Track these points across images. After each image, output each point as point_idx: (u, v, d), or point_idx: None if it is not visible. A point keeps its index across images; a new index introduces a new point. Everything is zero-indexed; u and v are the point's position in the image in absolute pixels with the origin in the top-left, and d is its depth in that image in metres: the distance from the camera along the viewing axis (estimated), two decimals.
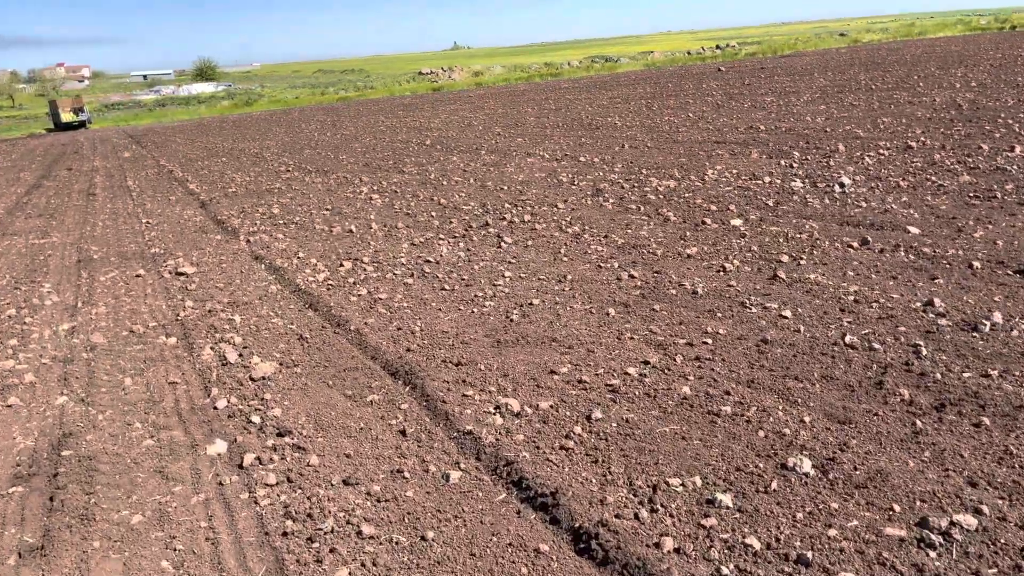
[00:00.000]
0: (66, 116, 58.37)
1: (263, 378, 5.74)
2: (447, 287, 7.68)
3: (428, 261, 8.87)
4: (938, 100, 17.26)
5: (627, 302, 6.54)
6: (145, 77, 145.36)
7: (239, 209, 14.02)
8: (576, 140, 18.37)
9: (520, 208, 11.24)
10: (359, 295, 7.79)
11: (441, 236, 10.08)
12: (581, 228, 9.56)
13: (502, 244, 9.24)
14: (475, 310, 6.84)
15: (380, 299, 7.53)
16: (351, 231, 11.04)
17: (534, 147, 18.05)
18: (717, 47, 71.96)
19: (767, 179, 11.01)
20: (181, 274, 9.54)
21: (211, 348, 6.61)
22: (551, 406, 4.74)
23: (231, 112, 63.30)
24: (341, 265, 9.12)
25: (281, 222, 12.37)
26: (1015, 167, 9.81)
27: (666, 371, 5.02)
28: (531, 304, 6.81)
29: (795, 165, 11.83)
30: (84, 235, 13.07)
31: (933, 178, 9.78)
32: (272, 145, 26.77)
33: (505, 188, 13.08)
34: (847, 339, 5.13)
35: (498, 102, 36.92)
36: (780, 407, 4.39)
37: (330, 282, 8.43)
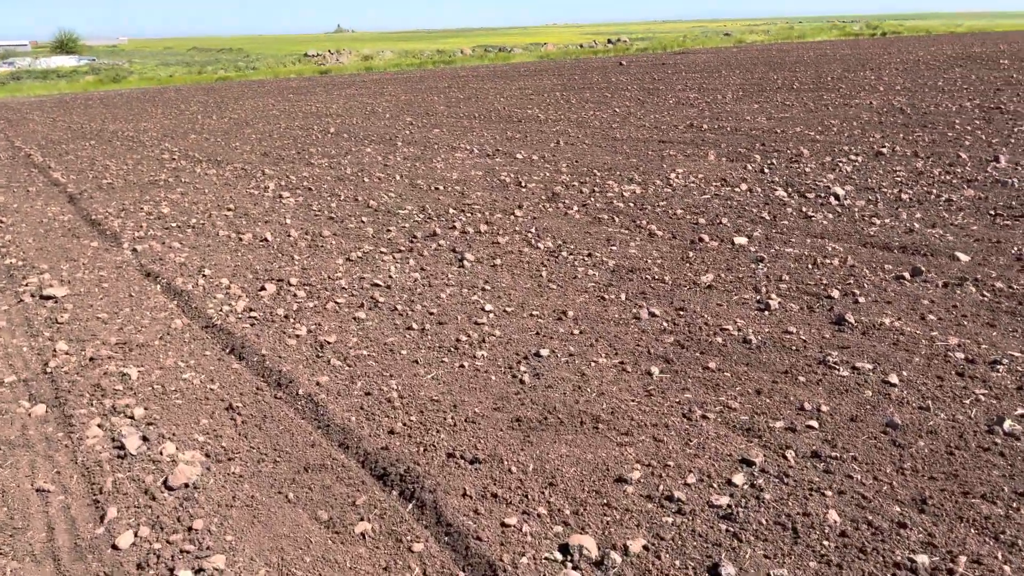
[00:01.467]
0: None
1: (185, 486, 3.87)
2: (414, 325, 5.95)
3: (377, 284, 7.08)
4: (874, 103, 16.75)
5: (666, 355, 5.04)
6: None
7: (118, 206, 11.59)
8: (501, 133, 16.76)
9: (469, 214, 9.56)
10: (297, 335, 5.93)
11: (382, 249, 8.27)
12: (555, 243, 8.01)
13: (464, 262, 7.56)
14: (465, 364, 5.16)
15: (328, 343, 5.71)
16: (266, 239, 9.04)
17: (456, 140, 16.31)
18: (609, 41, 71.86)
19: (743, 186, 9.81)
20: (48, 298, 7.30)
21: (99, 425, 4.63)
22: (648, 549, 3.16)
23: (96, 88, 57.66)
24: (263, 288, 7.18)
25: (174, 225, 10.15)
26: (1014, 179, 9.00)
27: (785, 480, 3.56)
28: (538, 356, 5.20)
29: (766, 170, 10.71)
30: None
31: (934, 191, 8.83)
32: (150, 128, 23.69)
33: (441, 188, 11.34)
34: (1006, 426, 3.82)
35: (397, 88, 34.74)
36: (996, 553, 3.00)
37: (254, 314, 6.50)
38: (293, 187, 12.26)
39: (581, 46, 68.24)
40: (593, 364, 5.00)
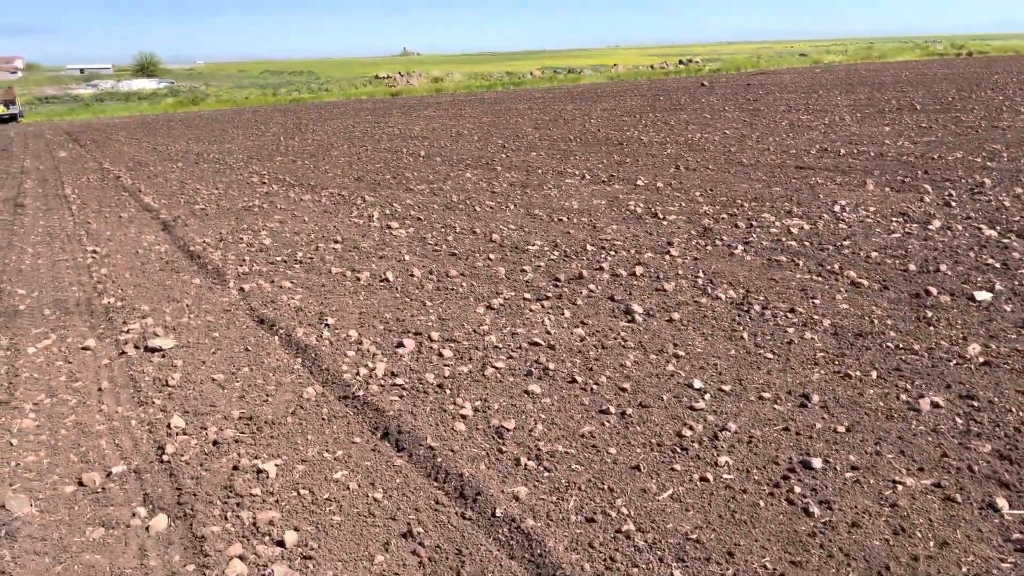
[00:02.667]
0: None
1: None
2: (609, 407, 4.64)
3: (536, 343, 5.80)
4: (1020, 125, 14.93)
5: (996, 474, 3.62)
6: (82, 71, 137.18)
7: (216, 236, 10.64)
8: (607, 157, 15.46)
9: (613, 252, 8.25)
10: (463, 415, 4.69)
11: (525, 295, 7.01)
12: (737, 293, 6.63)
13: (632, 316, 6.23)
14: (709, 476, 3.83)
15: (506, 430, 4.45)
16: (387, 279, 7.88)
17: (560, 164, 15.07)
18: (680, 62, 70.20)
19: (935, 223, 8.29)
20: (154, 350, 6.24)
21: (240, 557, 3.43)
22: None
23: (176, 110, 58.59)
24: (400, 344, 5.97)
25: (280, 259, 9.10)
26: None
27: None
28: (808, 467, 3.83)
29: (952, 204, 9.15)
30: (7, 268, 9.54)
31: None
32: (234, 149, 23.14)
33: (565, 219, 10.08)
34: None
35: (475, 110, 33.83)
36: None
37: (399, 381, 5.28)
38: (400, 216, 11.16)
39: (652, 67, 66.76)
40: (898, 487, 3.60)
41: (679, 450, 4.10)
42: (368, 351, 5.93)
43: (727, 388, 4.80)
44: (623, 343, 5.71)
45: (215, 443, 4.57)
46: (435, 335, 6.15)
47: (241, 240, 10.27)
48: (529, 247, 8.79)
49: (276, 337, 6.44)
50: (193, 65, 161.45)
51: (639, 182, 12.26)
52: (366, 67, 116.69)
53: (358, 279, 7.99)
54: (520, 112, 30.43)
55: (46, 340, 6.67)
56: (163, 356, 6.12)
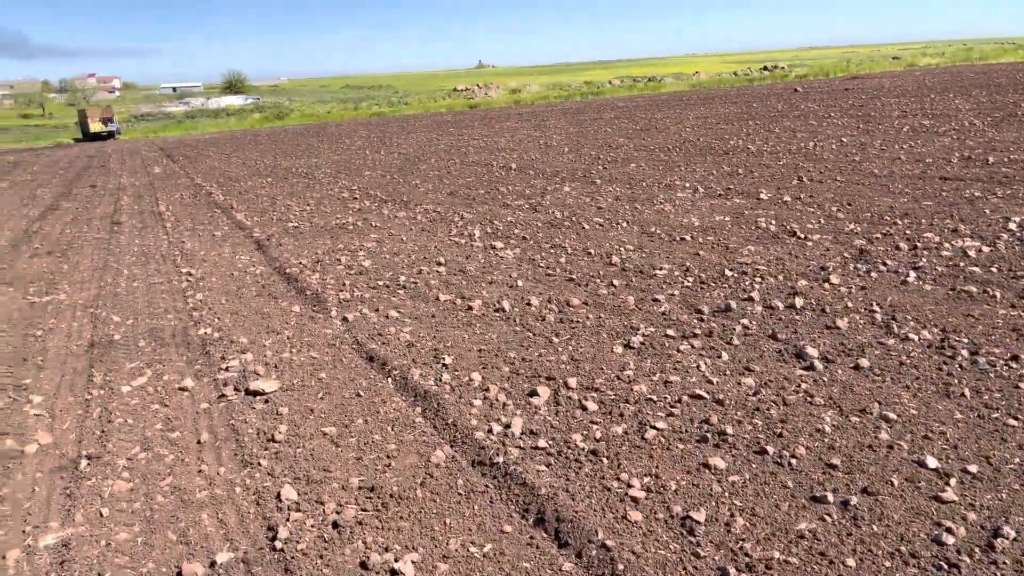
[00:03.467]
0: (95, 126, 55.19)
1: None
2: (826, 494, 3.65)
3: (698, 396, 4.82)
4: None
5: None
6: (174, 89, 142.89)
7: (312, 257, 10.03)
8: (715, 168, 14.32)
9: (758, 279, 7.18)
10: (633, 498, 3.76)
11: (668, 332, 6.02)
12: (932, 333, 5.50)
13: (809, 361, 5.19)
14: None
15: (696, 523, 3.48)
16: (502, 309, 7.02)
17: (664, 176, 14.01)
18: (764, 68, 67.82)
19: None
20: (256, 393, 5.52)
21: None
22: None
23: (262, 125, 59.84)
24: (533, 393, 5.08)
25: (381, 283, 8.37)
26: None
27: None
28: None
29: None
30: (103, 291, 9.11)
31: None
32: (322, 164, 22.88)
33: (688, 238, 9.05)
34: None
35: (559, 120, 32.98)
36: None
37: (542, 443, 4.39)
38: (502, 235, 10.32)
39: (735, 74, 64.65)
40: None
41: (946, 566, 3.05)
42: (497, 400, 5.06)
43: (973, 469, 3.72)
44: (808, 399, 4.67)
45: (335, 525, 3.75)
46: (572, 382, 5.23)
47: (339, 261, 9.61)
48: (656, 271, 7.80)
49: (390, 380, 5.64)
50: (277, 81, 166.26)
51: (762, 195, 11.11)
52: (443, 80, 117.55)
53: (470, 308, 7.16)
54: (606, 121, 29.41)
55: (141, 377, 6.05)
56: (266, 402, 5.39)
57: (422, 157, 22.10)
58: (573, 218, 10.99)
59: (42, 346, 7.10)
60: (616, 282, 7.58)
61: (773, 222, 9.42)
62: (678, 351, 5.65)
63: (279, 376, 5.87)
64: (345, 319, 7.18)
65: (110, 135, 55.28)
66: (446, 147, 24.80)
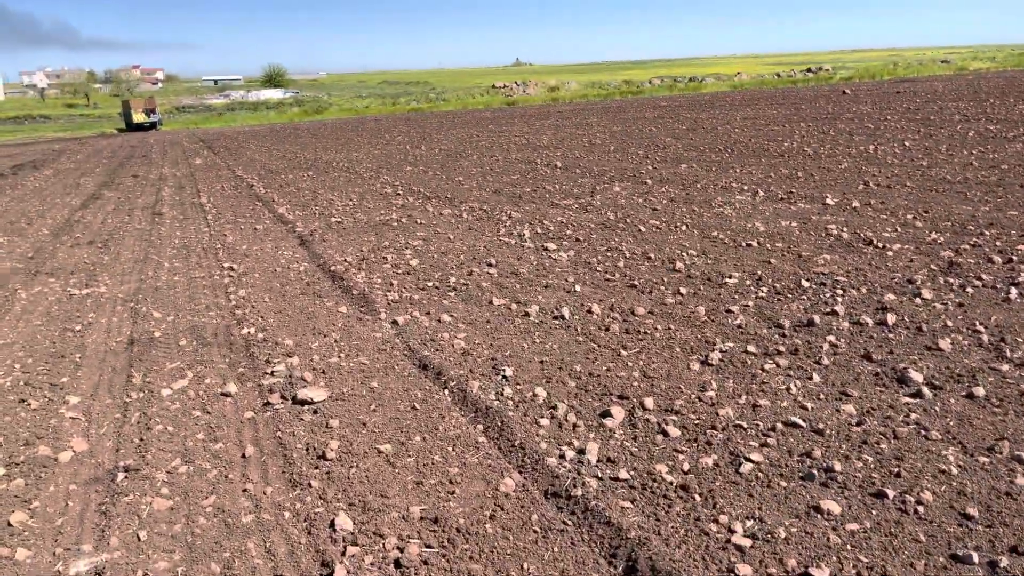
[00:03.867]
0: (138, 117, 55.78)
1: None
2: (970, 554, 3.12)
3: (791, 424, 4.30)
4: None
5: None
6: (216, 82, 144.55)
7: (357, 254, 9.65)
8: (772, 171, 13.70)
9: (838, 290, 6.62)
10: (746, 554, 3.27)
11: (749, 349, 5.50)
12: None
13: (915, 387, 4.64)
14: None
15: None
16: (561, 316, 6.55)
17: (721, 178, 13.42)
18: (808, 70, 66.41)
19: None
20: (304, 403, 5.12)
21: None
22: None
23: (301, 119, 60.05)
24: (606, 414, 4.61)
25: (431, 284, 7.95)
26: None
27: None
28: None
29: None
30: (143, 285, 8.82)
31: None
32: (362, 158, 22.60)
33: (755, 244, 8.50)
34: None
35: (600, 119, 32.40)
36: None
37: (624, 477, 3.92)
38: (554, 236, 9.85)
39: (777, 75, 63.37)
40: None
41: None
42: (567, 421, 4.60)
43: None
44: (922, 432, 4.13)
45: (397, 565, 3.32)
46: (648, 402, 4.75)
47: (385, 260, 9.22)
48: (726, 279, 7.27)
49: (447, 392, 5.20)
50: (316, 76, 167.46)
51: (828, 200, 10.49)
52: (481, 77, 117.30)
53: (526, 314, 6.70)
54: (650, 120, 28.78)
55: (182, 380, 5.69)
56: (315, 412, 4.99)
57: (464, 153, 21.71)
58: (627, 219, 10.49)
59: (80, 342, 6.79)
60: (683, 290, 7.07)
61: (845, 229, 8.82)
62: (762, 370, 5.14)
63: (328, 383, 5.46)
64: (395, 322, 6.77)
65: (152, 126, 55.82)
66: (487, 144, 24.38)
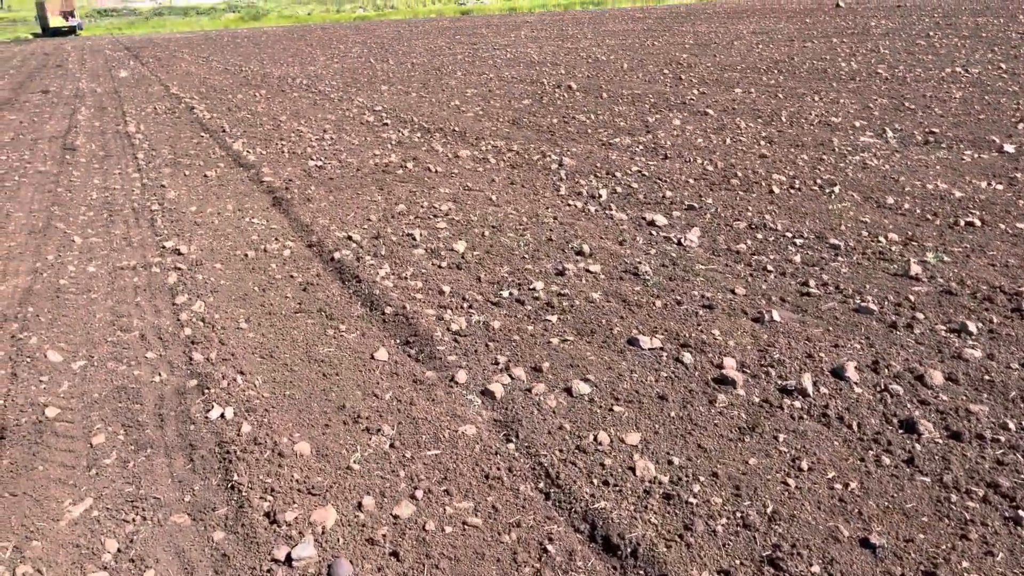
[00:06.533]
0: (55, 20, 49.06)
1: None
2: None
3: None
4: None
5: None
6: None
7: (366, 226, 6.41)
8: (869, 101, 10.72)
9: None
10: None
11: None
12: None
13: None
14: None
15: None
16: (802, 389, 3.52)
17: (802, 109, 10.41)
18: None
19: None
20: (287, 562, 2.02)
21: None
22: None
23: (238, 26, 54.00)
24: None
25: (506, 294, 4.90)
26: None
27: None
28: None
29: None
30: (37, 281, 5.45)
31: None
32: (322, 74, 18.68)
33: (975, 221, 5.56)
34: None
35: (583, 30, 28.60)
36: None
37: None
38: (648, 199, 6.76)
39: None
40: None
41: None
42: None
43: None
44: None
45: None
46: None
47: (411, 240, 6.00)
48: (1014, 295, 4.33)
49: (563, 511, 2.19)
50: None
51: (1006, 148, 7.57)
52: None
53: (721, 378, 3.68)
54: (640, 33, 25.21)
55: (111, 459, 2.53)
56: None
57: (444, 69, 18.00)
58: (735, 171, 7.42)
59: None
60: (856, 285, 4.11)
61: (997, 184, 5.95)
62: None
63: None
64: (487, 394, 3.66)
65: (71, 31, 49.26)
66: (467, 57, 20.62)
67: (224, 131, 11.39)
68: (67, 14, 50.40)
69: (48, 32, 48.71)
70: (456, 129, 10.55)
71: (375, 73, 18.15)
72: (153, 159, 9.67)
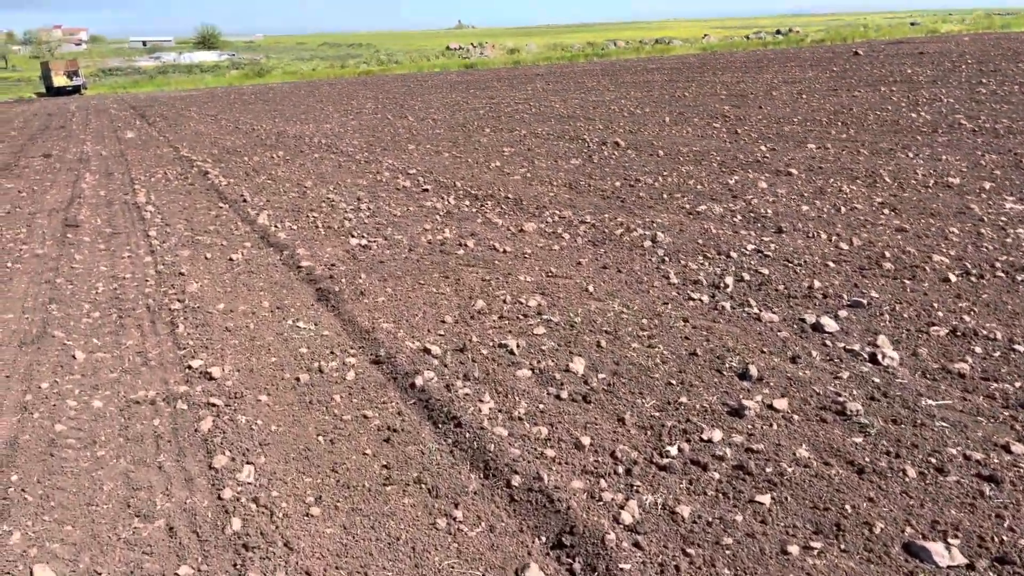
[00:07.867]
0: (59, 80, 48.60)
1: None
2: None
3: None
4: None
5: None
6: (145, 43, 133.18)
7: (445, 335, 4.98)
8: (965, 157, 9.42)
9: None
10: None
11: None
12: None
13: None
14: None
15: None
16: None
17: (900, 167, 9.13)
18: (778, 32, 62.57)
19: None
20: None
21: None
22: None
23: (243, 83, 53.52)
24: None
25: (666, 451, 3.35)
26: None
27: None
28: None
29: None
30: (33, 403, 3.97)
31: None
32: (340, 132, 17.52)
33: None
34: None
35: (602, 81, 27.69)
36: None
37: None
38: (790, 290, 5.41)
39: (747, 37, 59.37)
40: None
41: None
42: None
43: None
44: None
45: None
46: None
47: (512, 356, 4.59)
48: None
49: None
50: (252, 38, 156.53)
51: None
52: (425, 40, 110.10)
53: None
54: (664, 84, 24.24)
55: None
56: None
57: (470, 126, 16.85)
58: (879, 250, 6.05)
59: None
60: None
61: None
62: None
63: None
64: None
65: (75, 90, 48.74)
66: (489, 112, 19.53)
67: (245, 200, 10.07)
68: (71, 73, 49.96)
69: (52, 91, 48.18)
70: (509, 196, 9.24)
71: (396, 131, 16.99)
72: (167, 237, 8.31)
